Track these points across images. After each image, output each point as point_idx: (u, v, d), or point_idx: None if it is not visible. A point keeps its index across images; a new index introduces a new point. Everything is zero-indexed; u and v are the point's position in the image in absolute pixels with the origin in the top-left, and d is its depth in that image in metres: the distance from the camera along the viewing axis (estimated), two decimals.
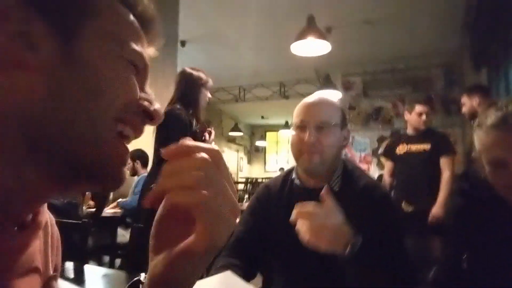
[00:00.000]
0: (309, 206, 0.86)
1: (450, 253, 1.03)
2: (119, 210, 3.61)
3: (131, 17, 0.42)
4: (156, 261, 0.37)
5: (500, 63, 3.54)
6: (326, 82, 5.46)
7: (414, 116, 2.92)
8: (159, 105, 0.43)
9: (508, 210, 0.90)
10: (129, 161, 3.70)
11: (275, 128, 11.30)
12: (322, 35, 3.40)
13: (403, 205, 2.82)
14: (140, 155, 3.74)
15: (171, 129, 1.92)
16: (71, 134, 0.36)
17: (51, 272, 0.46)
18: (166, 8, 3.47)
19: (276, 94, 7.66)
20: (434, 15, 4.27)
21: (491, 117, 0.86)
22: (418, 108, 2.89)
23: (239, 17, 4.61)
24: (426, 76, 5.68)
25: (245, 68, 6.48)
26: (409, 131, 2.99)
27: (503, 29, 3.12)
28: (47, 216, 0.45)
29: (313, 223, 0.84)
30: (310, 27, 3.39)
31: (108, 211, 3.61)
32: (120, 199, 3.67)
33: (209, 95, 2.13)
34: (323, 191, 0.88)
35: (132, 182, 3.72)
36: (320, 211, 0.85)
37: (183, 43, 5.20)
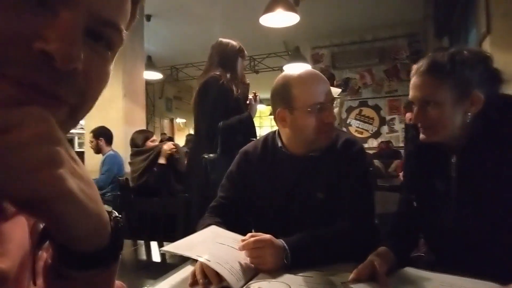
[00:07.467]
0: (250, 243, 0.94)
1: (404, 196, 1.18)
2: None
3: None
4: None
5: (461, 30, 3.69)
6: (296, 55, 5.49)
7: None
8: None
9: (437, 150, 1.04)
10: (92, 139, 3.54)
11: None
12: (291, 7, 3.40)
13: None
14: (103, 132, 3.52)
15: (216, 95, 1.87)
16: None
17: None
18: None
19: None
20: None
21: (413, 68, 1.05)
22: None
23: None
24: (392, 46, 5.82)
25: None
26: None
27: None
28: None
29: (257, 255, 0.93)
30: None
31: None
32: None
33: (244, 64, 2.14)
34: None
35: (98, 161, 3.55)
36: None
37: (148, 17, 5.03)
